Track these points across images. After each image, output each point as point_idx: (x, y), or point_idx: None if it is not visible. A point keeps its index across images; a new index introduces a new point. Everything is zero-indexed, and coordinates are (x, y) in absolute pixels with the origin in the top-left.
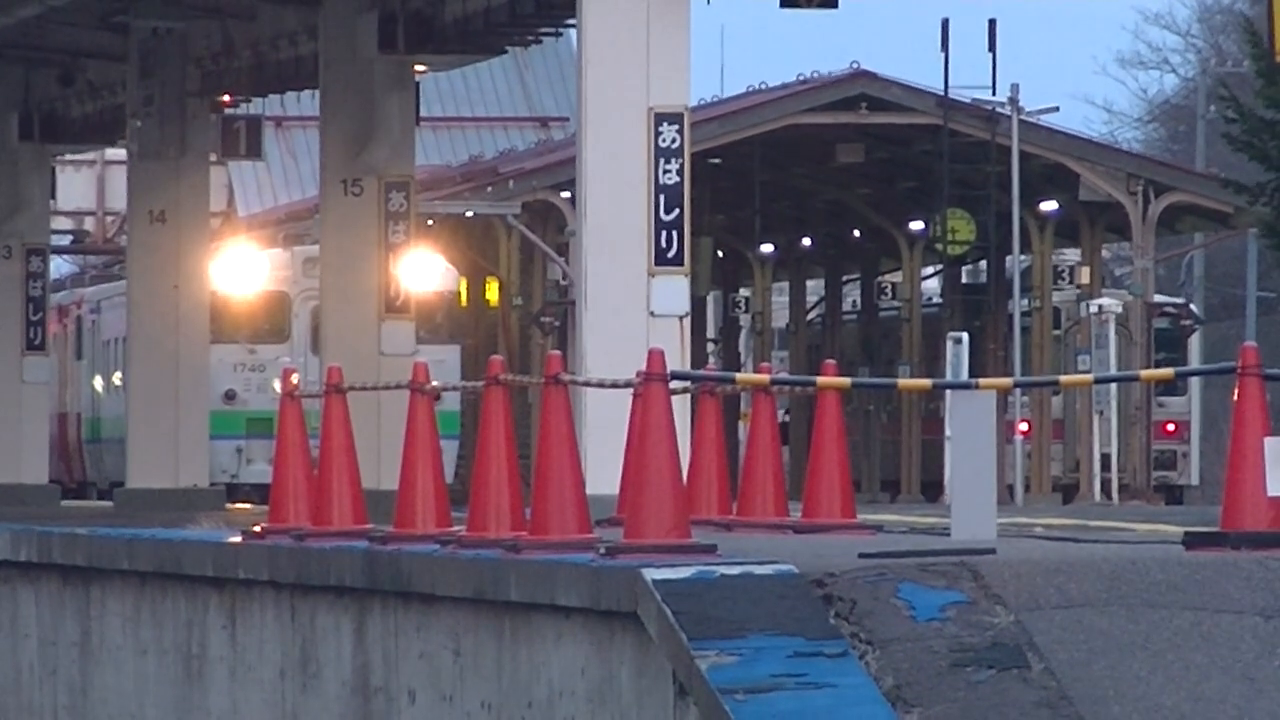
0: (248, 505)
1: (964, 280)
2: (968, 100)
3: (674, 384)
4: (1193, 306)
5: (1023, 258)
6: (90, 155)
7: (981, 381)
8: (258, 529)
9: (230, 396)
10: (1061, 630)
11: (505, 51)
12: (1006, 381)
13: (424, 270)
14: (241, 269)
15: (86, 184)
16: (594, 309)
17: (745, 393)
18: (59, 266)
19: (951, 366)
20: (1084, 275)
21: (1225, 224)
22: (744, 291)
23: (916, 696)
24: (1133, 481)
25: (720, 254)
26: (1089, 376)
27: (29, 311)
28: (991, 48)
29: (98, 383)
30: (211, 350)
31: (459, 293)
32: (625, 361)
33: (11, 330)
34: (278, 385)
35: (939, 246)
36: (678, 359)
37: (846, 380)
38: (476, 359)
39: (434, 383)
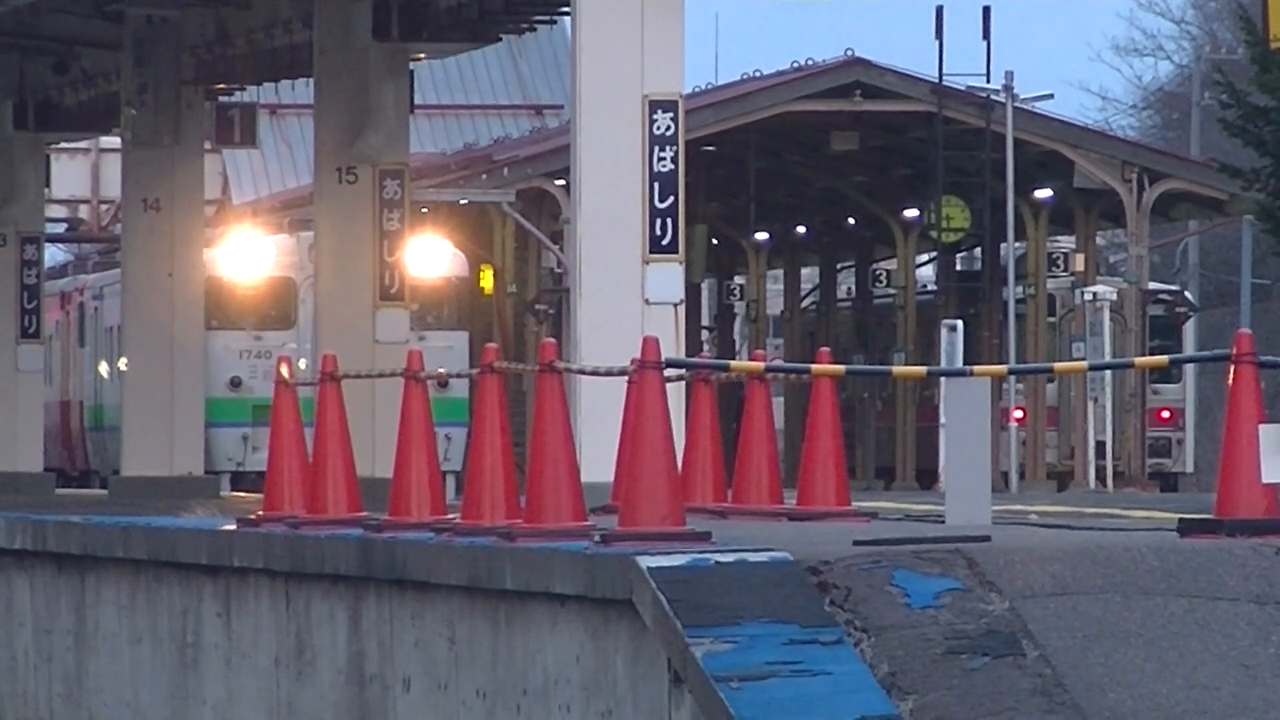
0: (254, 494)
1: (959, 267)
2: (962, 88)
3: (669, 371)
4: (1187, 294)
5: (1017, 245)
6: (85, 143)
7: (976, 369)
8: (253, 517)
9: (236, 384)
10: (1056, 617)
11: (500, 39)
12: (1001, 369)
13: (430, 256)
14: (247, 255)
15: (81, 172)
16: (589, 296)
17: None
18: (53, 255)
19: (946, 354)
20: (1078, 262)
21: (1220, 211)
22: (739, 279)
23: (911, 684)
24: (1127, 469)
25: (715, 242)
26: (1083, 364)
27: (24, 300)
28: (986, 35)
29: (102, 369)
30: (217, 337)
31: (467, 278)
32: (620, 349)
33: (6, 318)
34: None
35: (934, 234)
36: (672, 346)
37: (841, 368)
38: (472, 346)
39: (440, 369)
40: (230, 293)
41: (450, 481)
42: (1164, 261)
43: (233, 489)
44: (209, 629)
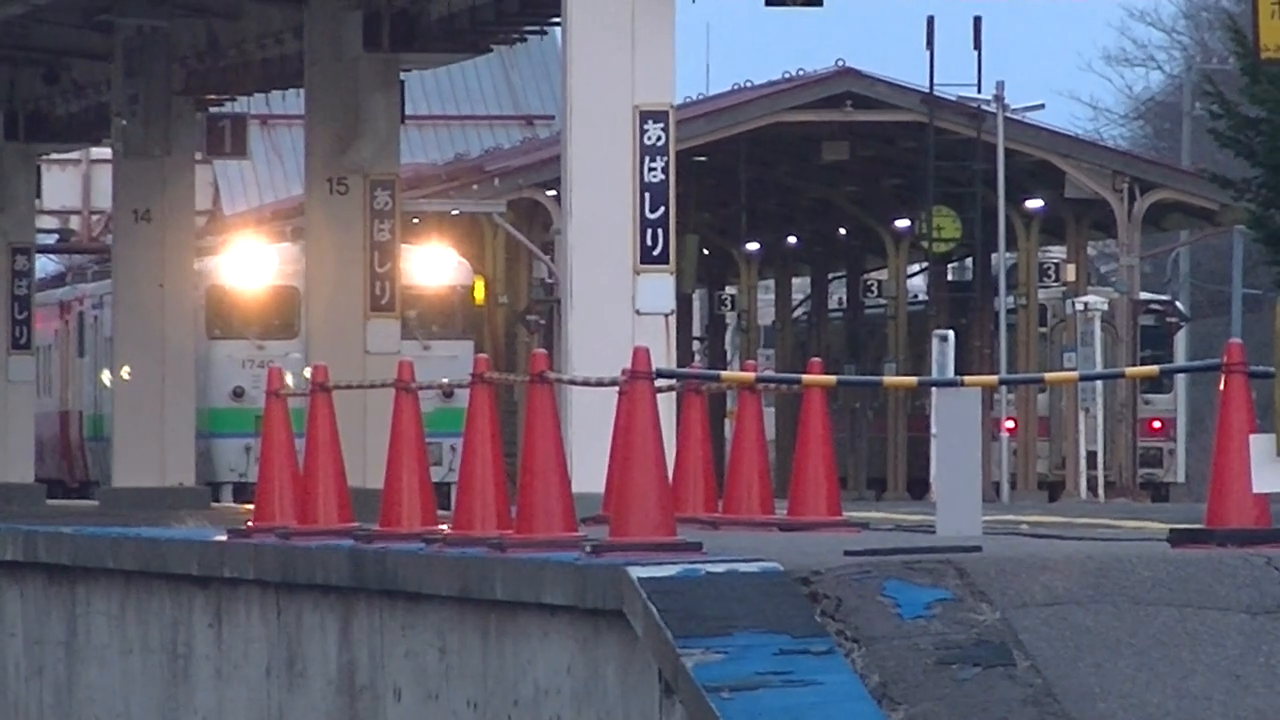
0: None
1: (950, 278)
2: (953, 98)
3: (659, 382)
4: (1178, 304)
5: (1008, 255)
6: (76, 154)
7: (967, 379)
8: (244, 528)
9: (238, 394)
10: (1047, 627)
11: (490, 50)
12: (992, 379)
13: (435, 264)
14: (250, 264)
15: (72, 183)
16: (579, 307)
17: (731, 390)
18: (44, 265)
19: (937, 364)
20: (1069, 272)
21: (1211, 221)
22: (730, 289)
23: (902, 694)
24: (1118, 479)
25: (706, 252)
26: (1074, 374)
27: (14, 311)
28: (977, 45)
29: (105, 378)
30: (220, 346)
31: (471, 287)
32: (611, 359)
33: None
34: (290, 380)
35: (925, 244)
36: (663, 357)
37: (832, 378)
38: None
39: (443, 379)
40: (233, 302)
41: (454, 493)
42: (1155, 271)
43: (235, 500)
44: (200, 640)
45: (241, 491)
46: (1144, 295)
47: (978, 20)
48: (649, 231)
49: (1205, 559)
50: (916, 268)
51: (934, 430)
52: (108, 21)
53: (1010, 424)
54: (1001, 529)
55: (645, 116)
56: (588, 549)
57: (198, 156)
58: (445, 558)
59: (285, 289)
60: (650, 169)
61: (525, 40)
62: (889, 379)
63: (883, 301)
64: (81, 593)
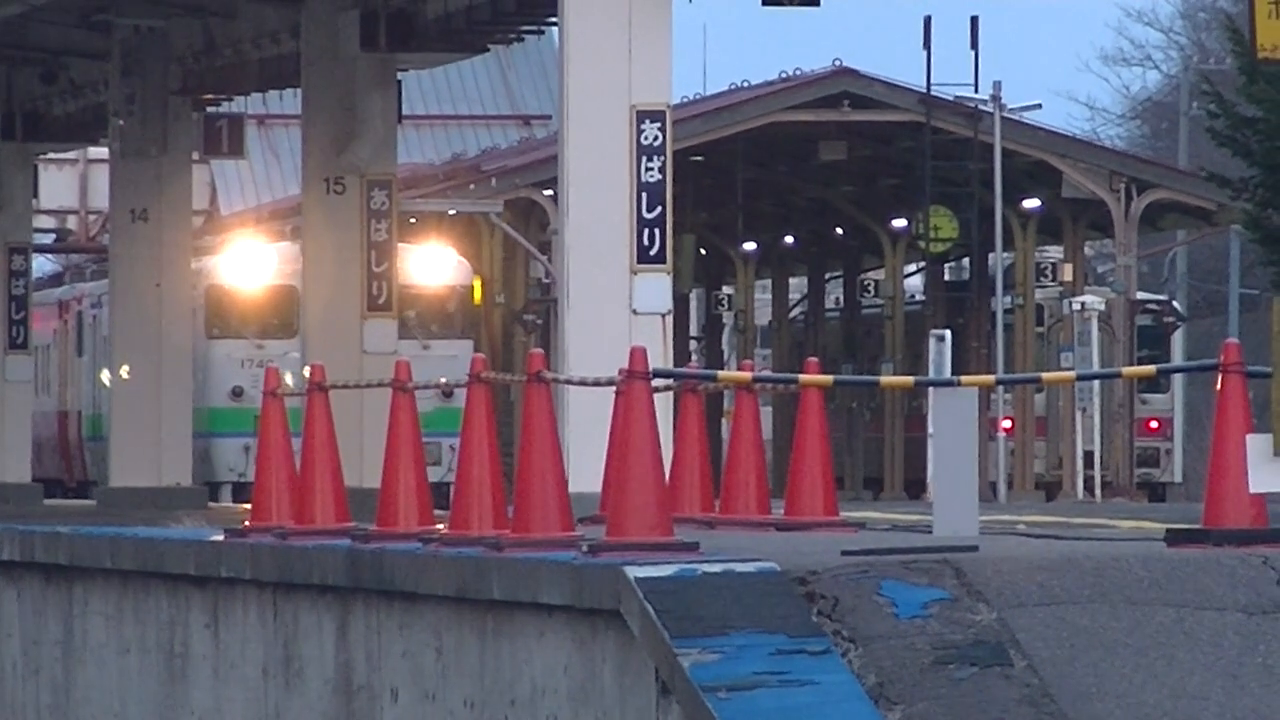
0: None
1: (947, 278)
2: (950, 97)
3: (656, 381)
4: (1175, 303)
5: (1005, 255)
6: (73, 154)
7: (964, 379)
8: (241, 527)
9: (238, 394)
10: (1044, 627)
11: (487, 49)
12: (989, 379)
13: (435, 264)
14: (250, 263)
15: (69, 183)
16: (576, 307)
17: (728, 390)
18: (41, 265)
19: (934, 364)
20: (1066, 272)
21: (1208, 221)
22: (726, 289)
23: (899, 694)
24: (1115, 479)
25: (703, 251)
26: (1071, 374)
27: (12, 310)
28: (974, 45)
29: (104, 377)
30: (219, 346)
31: (471, 286)
32: (608, 359)
33: None
34: (289, 380)
35: (921, 244)
36: (660, 357)
37: (829, 378)
38: None
39: (442, 379)
40: (232, 301)
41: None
42: (1152, 271)
43: (234, 499)
44: (197, 639)
45: (240, 491)
46: (1141, 295)
47: (975, 20)
48: (646, 231)
49: (1202, 559)
50: (913, 267)
51: (931, 430)
52: (105, 21)
53: (1007, 424)
54: (998, 529)
55: (642, 116)
56: (584, 549)
57: (195, 156)
58: (442, 557)
59: (284, 288)
60: (647, 169)
61: (522, 40)
62: (886, 379)
63: (880, 301)
64: (79, 593)
